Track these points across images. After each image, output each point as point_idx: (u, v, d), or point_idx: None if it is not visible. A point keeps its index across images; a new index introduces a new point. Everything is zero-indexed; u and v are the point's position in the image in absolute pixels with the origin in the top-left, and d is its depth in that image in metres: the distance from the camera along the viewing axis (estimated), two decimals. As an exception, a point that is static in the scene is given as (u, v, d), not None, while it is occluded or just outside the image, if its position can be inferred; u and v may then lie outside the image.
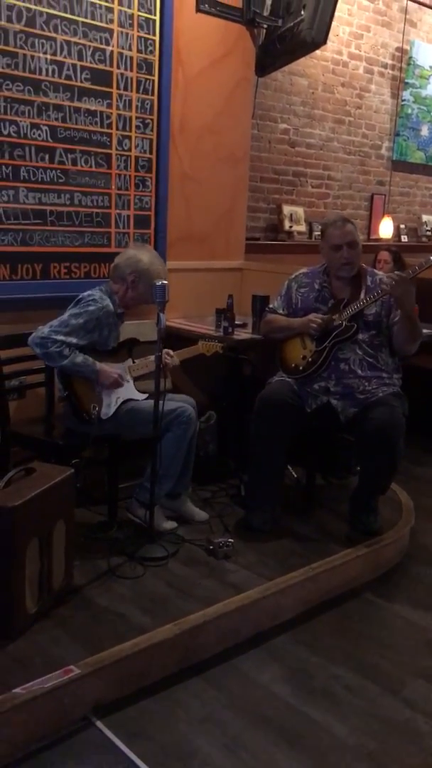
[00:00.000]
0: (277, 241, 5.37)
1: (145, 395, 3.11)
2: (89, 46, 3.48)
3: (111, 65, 3.58)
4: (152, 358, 3.05)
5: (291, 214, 5.44)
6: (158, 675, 2.32)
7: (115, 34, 3.57)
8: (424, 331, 3.21)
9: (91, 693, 2.16)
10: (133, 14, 3.62)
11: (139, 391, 3.13)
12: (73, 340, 2.94)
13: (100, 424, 2.99)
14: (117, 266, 3.16)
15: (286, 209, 5.42)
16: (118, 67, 3.62)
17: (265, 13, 4.31)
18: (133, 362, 3.16)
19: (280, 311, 3.43)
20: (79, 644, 2.32)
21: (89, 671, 2.15)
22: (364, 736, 2.14)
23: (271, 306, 3.52)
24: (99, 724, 2.11)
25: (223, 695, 2.27)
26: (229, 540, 3.01)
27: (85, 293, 3.09)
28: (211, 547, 2.98)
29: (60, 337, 2.92)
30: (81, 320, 2.97)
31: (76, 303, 3.05)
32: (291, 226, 5.41)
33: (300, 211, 5.52)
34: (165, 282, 2.87)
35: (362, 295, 3.19)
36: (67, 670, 2.14)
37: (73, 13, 3.39)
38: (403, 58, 6.18)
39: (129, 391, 3.10)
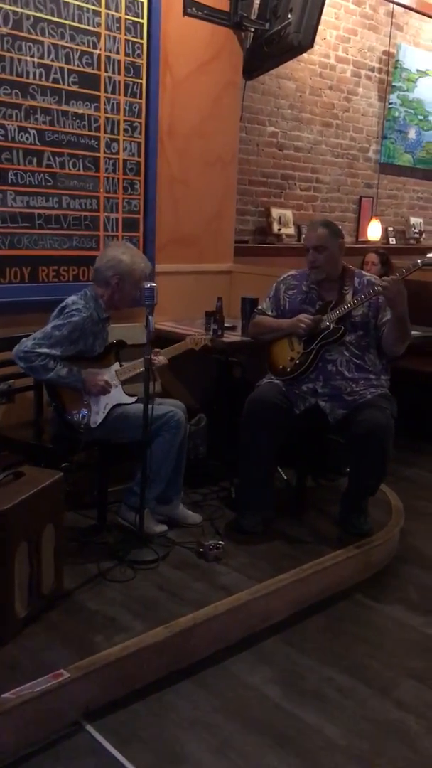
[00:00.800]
0: (266, 244, 5.38)
1: (134, 398, 3.09)
2: (76, 50, 3.48)
3: (98, 68, 3.59)
4: (140, 360, 3.03)
5: (280, 217, 5.45)
6: (149, 678, 2.31)
7: (102, 38, 3.57)
8: (413, 332, 3.22)
9: (82, 697, 2.15)
10: (120, 17, 3.62)
11: (128, 394, 3.11)
12: (57, 351, 2.88)
13: (89, 431, 2.98)
14: (98, 270, 3.07)
15: (275, 212, 5.43)
16: (106, 71, 3.62)
17: (253, 17, 4.33)
18: (121, 366, 3.13)
19: (269, 313, 3.44)
20: (69, 648, 2.30)
21: (79, 675, 2.14)
22: (356, 738, 2.14)
23: (259, 308, 3.53)
24: (89, 728, 2.11)
25: (213, 698, 2.27)
26: (220, 542, 3.01)
27: (69, 301, 3.01)
28: (202, 550, 2.98)
29: (44, 350, 2.86)
30: (65, 331, 2.90)
31: (59, 312, 2.98)
32: (280, 229, 5.42)
33: (288, 213, 5.53)
34: (153, 285, 2.86)
35: (349, 297, 3.21)
36: (57, 674, 2.13)
37: (60, 17, 3.39)
38: (390, 62, 6.21)
39: (117, 396, 3.07)
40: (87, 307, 3.00)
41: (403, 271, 3.02)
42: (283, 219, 5.47)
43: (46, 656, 2.26)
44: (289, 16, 4.14)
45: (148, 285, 2.85)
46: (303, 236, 3.37)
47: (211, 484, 3.76)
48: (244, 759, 2.02)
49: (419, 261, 3.01)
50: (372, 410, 3.05)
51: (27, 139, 3.36)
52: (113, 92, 3.67)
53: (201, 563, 2.93)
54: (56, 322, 2.94)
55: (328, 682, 2.39)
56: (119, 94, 3.70)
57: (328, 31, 5.59)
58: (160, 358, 3.13)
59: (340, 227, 3.37)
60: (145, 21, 3.73)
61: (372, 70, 6.12)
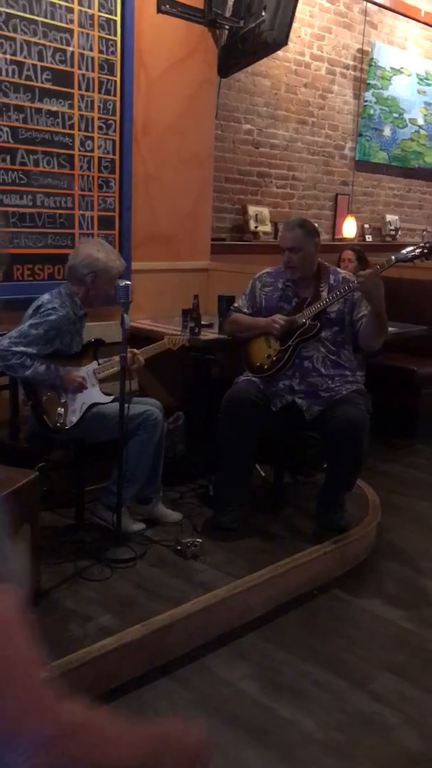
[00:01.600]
0: (242, 242, 5.39)
1: (111, 397, 3.08)
2: (50, 47, 3.46)
3: (72, 66, 3.57)
4: (117, 359, 3.02)
5: (256, 215, 5.46)
6: (126, 676, 2.32)
7: (75, 35, 3.55)
8: (389, 329, 3.25)
9: (59, 696, 2.14)
10: (93, 14, 3.60)
11: (105, 393, 3.10)
12: (34, 350, 2.87)
13: (65, 431, 2.96)
14: (73, 267, 3.05)
15: (252, 210, 5.44)
16: (80, 68, 3.60)
17: (227, 14, 4.33)
18: (99, 365, 3.12)
19: (245, 310, 3.45)
20: (46, 648, 2.29)
21: (56, 675, 2.13)
22: (332, 731, 2.16)
23: (235, 305, 3.54)
24: (67, 727, 2.10)
25: (191, 694, 2.28)
26: (198, 540, 3.01)
27: (44, 299, 2.99)
28: (180, 548, 2.98)
29: (20, 348, 2.84)
30: (41, 330, 2.88)
31: (35, 311, 2.95)
32: (256, 227, 5.43)
33: (265, 211, 5.54)
34: (128, 283, 2.86)
35: (325, 294, 3.23)
36: (34, 674, 2.12)
37: (32, 13, 3.36)
38: (365, 60, 6.25)
39: (94, 395, 3.05)
40: (63, 305, 2.98)
41: (377, 268, 3.05)
42: (260, 216, 5.48)
43: (23, 656, 2.24)
44: (263, 13, 4.15)
45: (123, 283, 2.85)
46: (279, 235, 3.37)
47: (189, 481, 3.77)
48: (221, 754, 2.03)
49: (393, 257, 3.04)
50: (347, 406, 3.08)
51: (0, 137, 3.34)
52: (87, 89, 3.66)
53: (179, 561, 2.94)
54: (32, 320, 2.92)
55: (305, 677, 2.41)
56: (93, 92, 3.69)
57: (302, 29, 5.61)
58: (137, 359, 3.12)
59: (316, 225, 3.38)
60: (118, 18, 3.71)
61: (347, 67, 6.15)
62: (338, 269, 3.44)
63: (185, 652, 2.48)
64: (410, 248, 3.05)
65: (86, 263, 3.02)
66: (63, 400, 2.96)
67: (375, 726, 2.19)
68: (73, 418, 2.97)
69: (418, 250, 3.02)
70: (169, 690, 2.30)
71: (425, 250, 3.02)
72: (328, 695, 2.32)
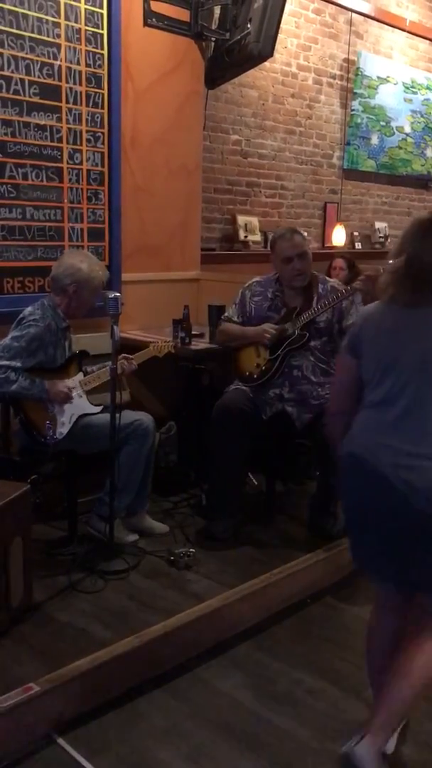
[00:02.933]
0: (232, 251, 5.41)
1: (100, 407, 3.08)
2: (37, 61, 3.48)
3: (60, 80, 3.59)
4: (105, 369, 3.03)
5: (246, 224, 5.48)
6: (120, 689, 2.31)
7: (62, 49, 3.57)
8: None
9: (53, 710, 2.14)
10: (80, 29, 3.63)
11: (95, 404, 3.10)
12: (18, 363, 2.86)
13: (55, 443, 2.95)
14: (55, 278, 3.07)
15: (241, 219, 5.46)
16: (67, 82, 3.63)
17: (213, 27, 4.36)
18: (85, 375, 3.11)
19: (235, 319, 3.47)
20: (39, 661, 2.30)
21: (49, 688, 2.13)
22: (327, 740, 2.16)
23: (226, 315, 3.56)
24: (61, 741, 2.10)
25: (185, 705, 2.28)
26: (191, 550, 3.02)
27: (26, 312, 3.00)
28: (172, 558, 2.99)
29: (3, 362, 2.84)
30: (23, 343, 2.89)
31: (17, 324, 2.97)
32: (246, 236, 5.46)
33: (254, 221, 5.57)
34: (118, 294, 2.87)
35: (314, 303, 3.24)
36: (27, 687, 2.12)
37: (19, 28, 3.39)
38: (351, 69, 6.29)
39: (83, 405, 3.05)
40: (44, 317, 2.99)
41: (379, 269, 3.04)
42: (249, 226, 5.51)
43: (16, 670, 2.25)
44: (249, 25, 4.18)
45: (112, 294, 2.86)
46: (271, 245, 3.37)
47: (181, 491, 3.77)
48: (216, 765, 2.03)
49: (381, 269, 3.04)
50: (338, 414, 3.08)
51: (-12, 151, 3.36)
52: (75, 103, 3.68)
53: (172, 571, 2.94)
54: (15, 333, 2.93)
55: (299, 685, 2.41)
56: (81, 105, 3.71)
57: (288, 40, 5.65)
58: (130, 362, 3.12)
59: (305, 233, 3.41)
60: (105, 32, 3.74)
61: (333, 77, 6.20)
62: (327, 278, 3.46)
63: (179, 662, 2.47)
64: None
65: (68, 273, 3.04)
66: (51, 413, 2.96)
67: (369, 734, 2.19)
68: (63, 430, 2.97)
69: None
70: (162, 701, 2.29)
71: None
72: (322, 704, 2.33)
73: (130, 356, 3.14)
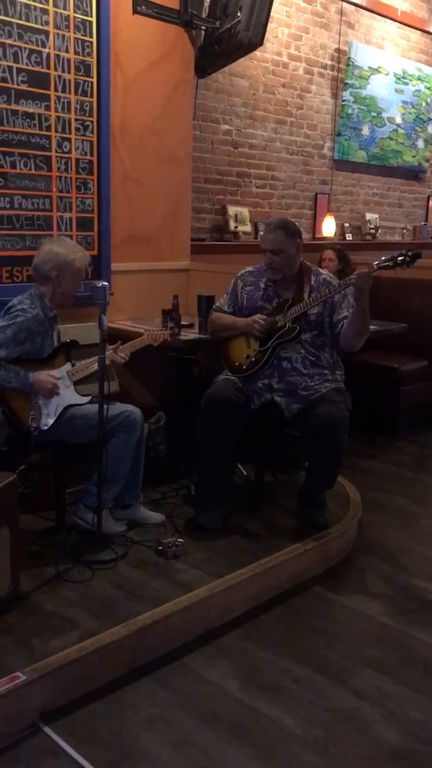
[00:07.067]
0: (222, 242, 5.40)
1: (88, 398, 3.06)
2: (25, 48, 3.45)
3: (48, 67, 3.56)
4: (93, 359, 3.01)
5: (236, 215, 5.47)
6: (107, 677, 2.31)
7: (51, 36, 3.54)
8: (370, 327, 3.26)
9: (38, 699, 2.14)
10: (69, 16, 3.60)
11: (83, 394, 3.08)
12: (2, 353, 2.84)
13: (41, 433, 2.94)
14: (36, 267, 3.05)
15: (231, 210, 5.45)
16: (56, 69, 3.59)
17: (203, 15, 4.34)
18: (73, 365, 3.09)
19: (226, 308, 3.46)
20: (26, 651, 2.30)
21: (35, 677, 2.13)
22: (312, 727, 2.17)
23: (217, 304, 3.55)
24: (47, 729, 2.10)
25: (172, 694, 2.28)
26: (179, 540, 3.02)
27: (14, 301, 2.99)
28: (161, 548, 2.99)
29: None
30: (9, 333, 2.86)
31: (4, 313, 2.94)
32: (236, 227, 5.45)
33: (245, 211, 5.55)
34: (105, 284, 2.85)
35: (306, 296, 3.23)
36: (13, 677, 2.12)
37: (7, 15, 3.35)
38: (342, 59, 6.28)
39: (70, 396, 3.03)
40: (33, 306, 2.97)
41: (373, 266, 3.02)
42: (240, 217, 5.50)
43: (3, 659, 2.25)
44: (239, 14, 4.17)
45: (100, 284, 2.85)
46: (260, 236, 3.36)
47: (170, 482, 3.77)
48: (202, 753, 2.04)
49: (375, 265, 3.04)
50: (326, 404, 3.09)
51: (-24, 138, 3.33)
52: (64, 91, 3.65)
53: (160, 561, 2.94)
54: (1, 323, 2.90)
55: (285, 674, 2.41)
56: (70, 93, 3.68)
57: (279, 29, 5.63)
58: (120, 356, 3.10)
59: (297, 225, 3.37)
60: (94, 19, 3.71)
61: (324, 67, 6.18)
62: (320, 270, 3.44)
63: (166, 651, 2.47)
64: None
65: (47, 259, 3.02)
66: (35, 403, 2.94)
67: (355, 722, 2.20)
68: (48, 421, 2.96)
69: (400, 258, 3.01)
70: (150, 690, 2.30)
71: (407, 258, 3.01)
72: (308, 692, 2.33)
73: (120, 346, 3.12)
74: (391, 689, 2.36)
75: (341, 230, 6.65)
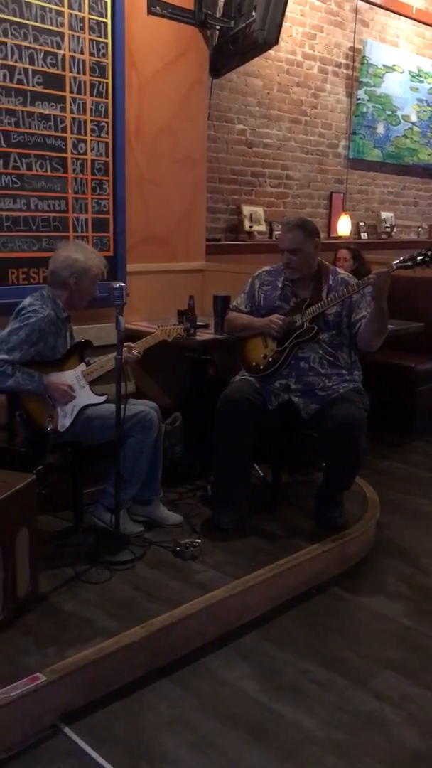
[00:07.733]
0: (237, 242, 5.39)
1: (104, 398, 3.05)
2: (40, 50, 3.46)
3: (63, 69, 3.57)
4: (108, 357, 3.00)
5: (251, 215, 5.46)
6: (126, 679, 2.31)
7: (66, 38, 3.55)
8: (388, 326, 3.24)
9: (59, 700, 2.15)
10: (83, 17, 3.60)
11: (99, 394, 3.08)
12: (17, 356, 2.82)
13: (58, 435, 2.94)
14: (54, 272, 3.02)
15: (246, 209, 5.44)
16: (71, 71, 3.60)
17: (218, 15, 4.33)
18: (87, 366, 3.07)
19: (243, 308, 3.44)
20: (45, 651, 2.30)
21: (55, 678, 2.13)
22: (333, 729, 2.16)
23: (234, 304, 3.53)
24: (67, 730, 2.10)
25: (191, 696, 2.28)
26: (196, 540, 3.01)
27: (25, 302, 2.96)
28: (178, 549, 2.98)
29: (2, 356, 2.80)
30: (22, 335, 2.84)
31: (16, 315, 2.92)
32: (251, 227, 5.43)
33: (260, 211, 5.54)
34: (123, 284, 2.85)
35: (324, 295, 3.21)
36: (34, 677, 2.12)
37: (22, 17, 3.36)
38: (357, 57, 6.25)
39: (86, 396, 3.02)
40: (44, 307, 2.95)
41: (392, 266, 3.00)
42: (255, 216, 5.48)
43: (23, 660, 2.25)
44: (253, 13, 4.15)
45: (117, 285, 2.84)
46: (276, 235, 3.35)
47: (187, 482, 3.77)
48: (222, 755, 2.03)
49: (394, 264, 3.02)
50: (344, 404, 3.07)
51: (-8, 141, 3.35)
52: (79, 92, 3.66)
53: (177, 562, 2.94)
54: (13, 325, 2.89)
55: (305, 676, 2.40)
56: (85, 94, 3.69)
57: (294, 28, 5.61)
58: (133, 353, 3.10)
59: (315, 224, 3.34)
60: (108, 20, 3.71)
61: (339, 66, 6.15)
62: (338, 269, 3.41)
63: (185, 653, 2.47)
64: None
65: (66, 265, 3.00)
66: (50, 406, 2.93)
67: (376, 724, 2.19)
68: (66, 422, 2.96)
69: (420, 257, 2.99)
70: (168, 691, 2.29)
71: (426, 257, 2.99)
72: (328, 694, 2.32)
73: (132, 345, 3.12)
74: (411, 691, 2.34)
75: (356, 229, 6.61)
